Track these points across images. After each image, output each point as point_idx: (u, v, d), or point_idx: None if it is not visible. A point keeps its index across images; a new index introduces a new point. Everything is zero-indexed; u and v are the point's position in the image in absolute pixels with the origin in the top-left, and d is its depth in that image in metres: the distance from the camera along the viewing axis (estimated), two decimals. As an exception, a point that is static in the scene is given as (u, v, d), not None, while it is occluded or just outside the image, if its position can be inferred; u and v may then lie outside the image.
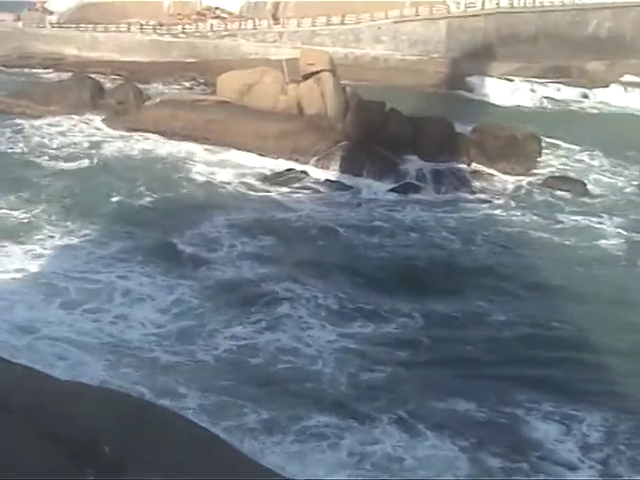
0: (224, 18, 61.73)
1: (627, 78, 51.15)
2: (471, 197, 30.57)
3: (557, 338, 19.51)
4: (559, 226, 27.82)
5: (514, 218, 28.53)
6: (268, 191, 30.33)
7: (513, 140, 34.59)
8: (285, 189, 30.44)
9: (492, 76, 49.67)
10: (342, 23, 52.55)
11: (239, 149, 34.29)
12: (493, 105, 46.81)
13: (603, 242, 26.30)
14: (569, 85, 49.97)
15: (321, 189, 30.68)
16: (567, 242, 26.27)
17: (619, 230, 27.42)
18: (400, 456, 14.77)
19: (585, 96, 48.93)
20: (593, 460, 14.96)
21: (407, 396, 16.78)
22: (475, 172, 32.90)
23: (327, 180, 31.41)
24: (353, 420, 15.82)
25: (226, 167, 32.91)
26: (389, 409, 16.26)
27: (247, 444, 14.36)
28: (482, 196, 30.68)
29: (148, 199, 28.78)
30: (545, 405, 16.60)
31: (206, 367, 17.58)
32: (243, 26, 56.75)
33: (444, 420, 16.00)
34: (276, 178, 31.52)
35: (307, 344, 18.68)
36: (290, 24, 54.76)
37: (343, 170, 32.17)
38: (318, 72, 36.07)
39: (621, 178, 33.60)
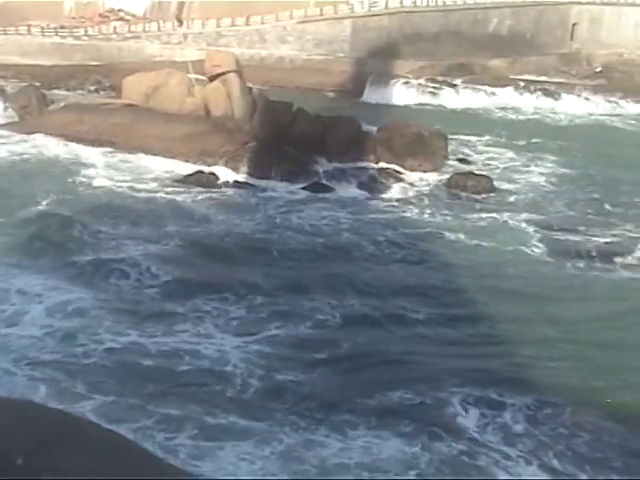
0: (128, 20, 61.08)
1: (526, 77, 52.17)
2: (380, 196, 30.80)
3: (477, 333, 19.76)
4: (468, 223, 28.15)
5: (422, 216, 28.75)
6: (174, 195, 29.84)
7: (420, 137, 34.98)
8: (192, 192, 30.05)
9: (397, 75, 50.16)
10: (247, 24, 52.48)
11: (146, 153, 33.88)
12: (396, 105, 47.25)
13: (511, 238, 26.77)
14: (472, 83, 50.67)
15: (229, 191, 30.48)
16: (476, 239, 26.54)
17: (526, 226, 27.94)
18: (312, 452, 14.80)
19: (490, 94, 49.64)
20: (522, 449, 15.16)
21: (322, 393, 16.79)
22: (383, 170, 33.17)
23: (236, 182, 31.31)
24: (262, 419, 15.75)
25: (131, 171, 32.38)
26: (302, 406, 16.25)
27: (154, 444, 14.27)
28: (390, 194, 30.94)
29: (44, 205, 27.99)
30: (471, 392, 16.80)
31: (104, 369, 17.30)
32: (147, 28, 56.24)
33: (355, 414, 16.01)
34: (183, 181, 31.23)
35: (212, 347, 18.44)
36: (195, 25, 54.49)
37: (252, 171, 32.11)
38: (224, 73, 35.97)
39: (527, 175, 34.32)
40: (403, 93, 48.67)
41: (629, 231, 27.47)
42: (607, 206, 30.20)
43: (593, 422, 15.86)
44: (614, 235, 27.04)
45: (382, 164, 33.67)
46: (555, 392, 16.81)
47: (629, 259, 24.97)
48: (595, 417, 16.04)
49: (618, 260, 24.77)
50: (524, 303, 21.39)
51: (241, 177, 31.86)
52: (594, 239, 26.48)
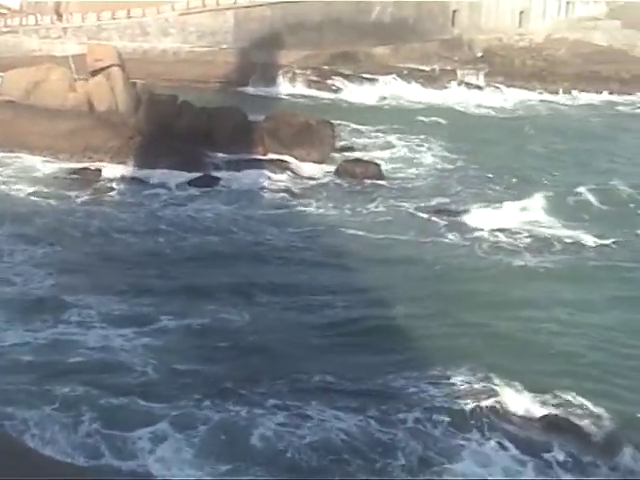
0: (4, 14, 59.25)
1: (410, 63, 52.71)
2: (269, 187, 30.72)
3: (379, 325, 20.05)
4: (357, 211, 28.57)
5: (312, 206, 28.97)
6: (57, 193, 29.00)
7: (307, 127, 35.10)
8: (77, 190, 29.32)
9: (282, 65, 50.09)
10: (128, 17, 51.57)
11: (28, 150, 32.94)
12: (282, 96, 47.20)
13: (400, 221, 27.27)
14: (357, 72, 50.94)
15: (115, 187, 29.87)
16: (365, 226, 27.00)
17: (414, 210, 28.52)
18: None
19: (376, 82, 49.87)
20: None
21: (220, 379, 17.11)
22: (271, 161, 33.16)
23: (122, 177, 30.73)
24: (158, 403, 16.05)
25: (12, 170, 31.31)
26: (200, 393, 16.50)
27: (33, 437, 14.46)
28: (279, 185, 30.90)
29: None
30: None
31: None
32: (25, 22, 54.71)
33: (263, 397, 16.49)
34: (67, 179, 30.52)
35: (104, 340, 18.46)
36: (74, 19, 53.22)
37: (138, 166, 31.64)
38: (107, 67, 35.31)
39: (414, 160, 34.88)
40: (288, 83, 48.66)
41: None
42: (493, 187, 31.19)
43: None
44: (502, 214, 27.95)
45: (270, 154, 33.65)
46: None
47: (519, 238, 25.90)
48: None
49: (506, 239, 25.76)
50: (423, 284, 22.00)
51: (127, 172, 31.35)
52: (481, 219, 27.25)
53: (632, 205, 29.48)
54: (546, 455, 15.10)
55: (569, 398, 16.53)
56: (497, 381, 17.06)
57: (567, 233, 26.37)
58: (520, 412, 16.23)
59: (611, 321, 20.34)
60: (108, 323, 19.23)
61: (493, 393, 16.69)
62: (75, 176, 30.56)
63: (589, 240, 25.75)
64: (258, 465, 14.64)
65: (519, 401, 16.49)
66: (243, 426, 15.62)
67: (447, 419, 15.95)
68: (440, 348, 18.77)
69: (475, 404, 16.36)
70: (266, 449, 15.07)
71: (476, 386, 17.01)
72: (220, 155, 33.11)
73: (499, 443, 15.37)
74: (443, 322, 20.10)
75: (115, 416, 15.56)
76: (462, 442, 15.37)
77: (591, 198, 29.58)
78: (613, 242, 25.71)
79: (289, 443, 15.17)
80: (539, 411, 16.20)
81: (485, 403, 16.39)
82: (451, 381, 17.28)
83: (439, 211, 28.32)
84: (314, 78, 49.35)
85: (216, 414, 15.92)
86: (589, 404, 16.28)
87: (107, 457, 14.50)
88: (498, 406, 16.30)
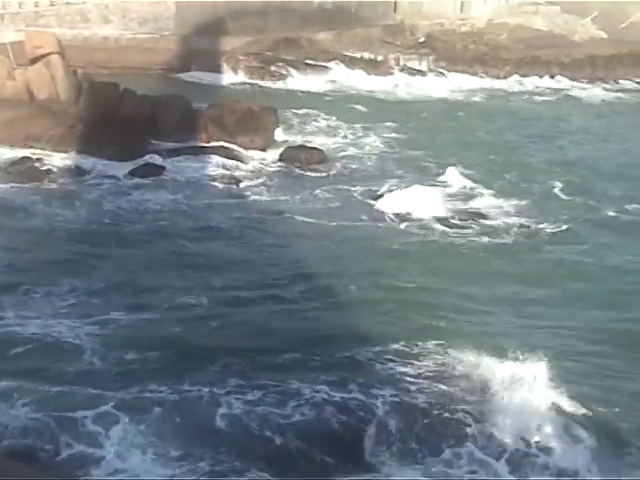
0: (-62, 2, 58.05)
1: (353, 49, 52.69)
2: (213, 174, 30.54)
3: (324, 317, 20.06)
4: (300, 195, 28.69)
5: (257, 192, 29.04)
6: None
7: (250, 113, 34.98)
8: (17, 180, 28.75)
9: (224, 51, 49.79)
10: (67, 3, 50.81)
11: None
12: (225, 83, 46.99)
13: (338, 211, 27.40)
14: (301, 58, 50.83)
15: (57, 176, 29.45)
16: (309, 211, 27.15)
17: (357, 194, 28.73)
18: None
19: (320, 69, 49.82)
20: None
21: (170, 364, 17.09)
22: (215, 148, 32.98)
23: (64, 166, 30.33)
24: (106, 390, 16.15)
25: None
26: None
27: None
28: (224, 172, 30.77)
29: None
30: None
31: None
32: (-40, 9, 53.64)
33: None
34: (7, 169, 29.96)
35: (47, 329, 18.32)
36: (11, 5, 52.25)
37: (81, 155, 31.28)
38: (46, 55, 34.75)
39: (358, 145, 35.07)
40: (231, 70, 48.36)
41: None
42: (431, 170, 31.71)
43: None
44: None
45: (214, 142, 33.47)
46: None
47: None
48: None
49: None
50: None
51: (69, 161, 30.96)
52: (413, 200, 27.74)
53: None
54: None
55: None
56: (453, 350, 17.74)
57: (495, 211, 27.45)
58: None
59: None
60: (51, 314, 19.00)
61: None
62: (16, 166, 30.02)
63: (513, 219, 26.73)
64: (222, 446, 14.73)
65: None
66: (203, 407, 15.78)
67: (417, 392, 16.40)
68: (391, 320, 19.35)
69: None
70: (230, 429, 15.20)
71: (437, 356, 17.55)
72: (164, 143, 32.89)
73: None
74: (388, 297, 20.61)
75: (58, 402, 15.57)
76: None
77: (519, 180, 30.84)
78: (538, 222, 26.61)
79: (255, 423, 15.31)
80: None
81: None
82: (412, 352, 17.74)
83: (380, 194, 28.66)
84: (257, 65, 49.19)
85: (171, 396, 16.01)
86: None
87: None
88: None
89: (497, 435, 15.25)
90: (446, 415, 15.73)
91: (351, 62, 50.63)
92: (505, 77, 51.97)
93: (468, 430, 15.37)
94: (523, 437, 15.25)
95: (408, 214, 26.72)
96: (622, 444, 15.10)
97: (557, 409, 15.83)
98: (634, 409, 16.14)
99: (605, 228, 26.34)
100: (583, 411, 15.77)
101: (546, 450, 15.00)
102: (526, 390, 16.15)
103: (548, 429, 15.37)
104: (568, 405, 15.86)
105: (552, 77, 52.39)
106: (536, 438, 15.24)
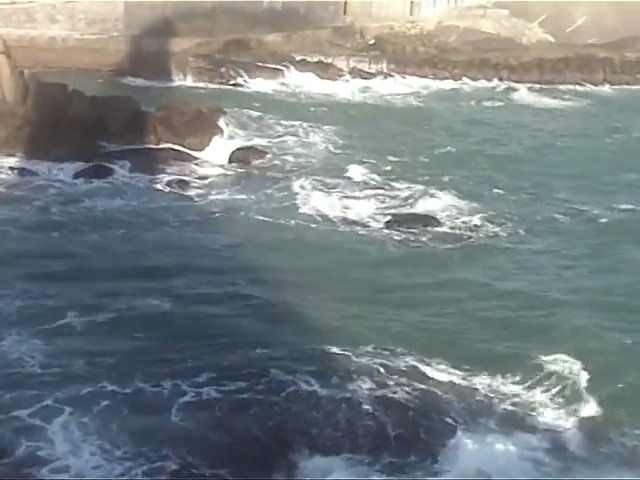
0: None
1: (303, 51, 52.74)
2: (162, 176, 30.32)
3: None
4: (251, 197, 28.70)
5: (208, 194, 28.96)
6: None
7: (199, 115, 35.01)
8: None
9: (174, 52, 49.54)
10: (13, 2, 50.21)
11: None
12: (174, 84, 46.82)
13: (284, 211, 27.55)
14: (250, 59, 50.76)
15: (3, 179, 28.99)
16: (260, 211, 27.26)
17: (303, 191, 29.04)
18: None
19: (269, 71, 49.77)
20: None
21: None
22: (165, 150, 32.87)
23: (11, 169, 29.90)
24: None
25: None
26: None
27: None
28: (172, 174, 30.59)
29: None
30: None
31: None
32: None
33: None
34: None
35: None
36: (-45, 5, 51.56)
37: (28, 157, 30.91)
38: (-9, 56, 34.31)
39: (306, 145, 35.21)
40: (181, 72, 48.11)
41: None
42: (376, 171, 31.74)
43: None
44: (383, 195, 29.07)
45: (163, 144, 33.34)
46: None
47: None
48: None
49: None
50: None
51: (16, 164, 30.59)
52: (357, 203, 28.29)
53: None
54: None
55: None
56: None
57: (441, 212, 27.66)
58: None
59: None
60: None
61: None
62: (-40, 169, 29.63)
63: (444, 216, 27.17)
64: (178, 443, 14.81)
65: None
66: (159, 404, 15.90)
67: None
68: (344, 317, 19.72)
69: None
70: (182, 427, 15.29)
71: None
72: (113, 145, 32.63)
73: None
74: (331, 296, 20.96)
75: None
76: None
77: (464, 181, 31.16)
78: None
79: (210, 422, 15.42)
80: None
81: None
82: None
83: (326, 195, 28.85)
84: (207, 66, 49.00)
85: (124, 393, 16.14)
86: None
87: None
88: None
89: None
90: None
91: (301, 64, 50.70)
92: (454, 79, 52.41)
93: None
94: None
95: (343, 213, 27.21)
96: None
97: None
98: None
99: (547, 232, 26.61)
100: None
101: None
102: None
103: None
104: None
105: (501, 80, 52.97)
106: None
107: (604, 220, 27.44)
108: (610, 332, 19.31)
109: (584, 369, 17.38)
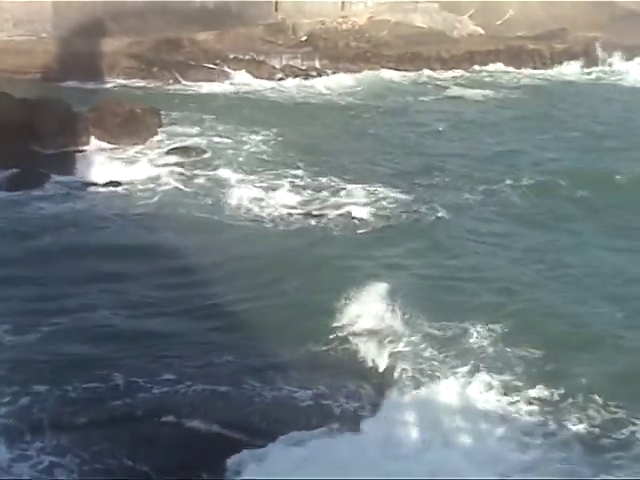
0: None
1: (235, 48, 52.47)
2: (97, 178, 29.93)
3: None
4: (187, 197, 28.81)
5: (140, 195, 28.80)
6: None
7: (132, 115, 34.77)
8: None
9: (105, 53, 48.95)
10: None
11: None
12: (107, 86, 46.24)
13: (219, 208, 27.78)
14: (183, 58, 50.40)
15: None
16: (196, 211, 27.38)
17: (234, 190, 29.12)
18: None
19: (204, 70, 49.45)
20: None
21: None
22: (98, 151, 32.60)
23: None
24: None
25: None
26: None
27: None
28: (108, 175, 30.14)
29: None
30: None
31: None
32: None
33: None
34: None
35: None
36: None
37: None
38: None
39: (241, 144, 35.01)
40: (112, 72, 47.58)
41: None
42: (306, 168, 31.86)
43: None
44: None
45: (96, 145, 33.04)
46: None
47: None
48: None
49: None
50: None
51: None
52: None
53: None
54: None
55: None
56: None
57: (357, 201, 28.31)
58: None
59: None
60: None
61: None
62: None
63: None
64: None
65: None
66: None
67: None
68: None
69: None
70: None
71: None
72: (44, 149, 32.16)
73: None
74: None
75: None
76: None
77: (395, 173, 31.79)
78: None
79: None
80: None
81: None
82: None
83: (258, 191, 29.10)
84: (139, 66, 48.49)
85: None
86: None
87: None
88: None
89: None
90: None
91: (234, 62, 50.44)
92: (387, 73, 52.61)
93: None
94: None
95: (273, 208, 27.63)
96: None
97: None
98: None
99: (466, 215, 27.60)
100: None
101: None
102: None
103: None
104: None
105: (433, 71, 53.44)
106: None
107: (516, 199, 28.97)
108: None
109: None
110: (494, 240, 25.46)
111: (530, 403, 16.45)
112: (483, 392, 16.66)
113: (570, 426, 15.77)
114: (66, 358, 17.81)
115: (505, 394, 16.70)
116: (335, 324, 19.25)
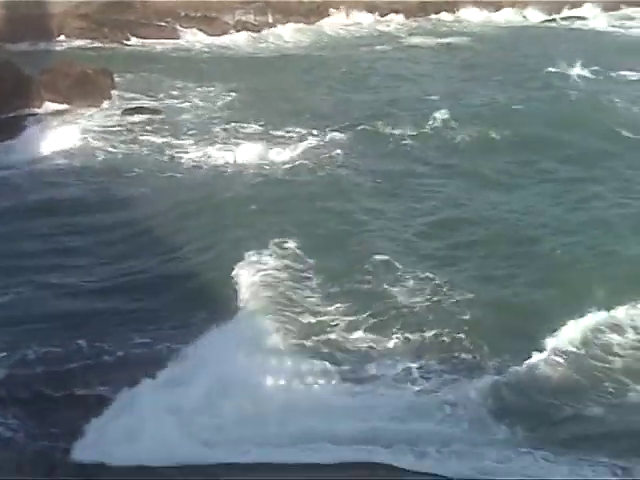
0: None
1: (186, 9, 51.94)
2: (51, 141, 29.62)
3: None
4: (145, 156, 28.65)
5: (95, 155, 28.67)
6: None
7: (85, 76, 34.57)
8: None
9: (53, 14, 48.20)
10: None
11: None
12: (57, 48, 45.58)
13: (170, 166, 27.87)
14: (135, 18, 49.87)
15: None
16: (148, 169, 27.39)
17: (184, 153, 28.94)
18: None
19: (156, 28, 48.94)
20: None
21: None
22: (51, 113, 32.46)
23: None
24: None
25: None
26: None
27: None
28: (62, 137, 29.83)
29: None
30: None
31: None
32: None
33: None
34: None
35: None
36: None
37: None
38: None
39: (194, 102, 34.92)
40: (63, 34, 46.94)
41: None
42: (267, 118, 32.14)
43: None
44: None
45: (49, 107, 32.81)
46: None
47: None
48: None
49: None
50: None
51: None
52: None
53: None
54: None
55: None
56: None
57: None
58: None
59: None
60: None
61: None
62: None
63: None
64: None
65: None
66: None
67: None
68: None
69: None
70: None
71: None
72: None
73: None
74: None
75: None
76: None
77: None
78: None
79: None
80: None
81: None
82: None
83: (215, 147, 29.20)
84: (90, 27, 47.88)
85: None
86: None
87: None
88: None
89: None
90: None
91: (185, 20, 49.99)
92: (342, 25, 52.42)
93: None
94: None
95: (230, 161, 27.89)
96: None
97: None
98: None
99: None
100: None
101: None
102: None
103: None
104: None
105: (383, 16, 53.43)
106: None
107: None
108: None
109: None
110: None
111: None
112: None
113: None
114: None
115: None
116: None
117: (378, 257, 20.15)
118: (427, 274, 19.35)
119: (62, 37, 46.85)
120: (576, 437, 14.27)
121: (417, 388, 15.50)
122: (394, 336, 16.96)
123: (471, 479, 13.15)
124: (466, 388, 15.27)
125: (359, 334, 17.11)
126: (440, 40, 48.15)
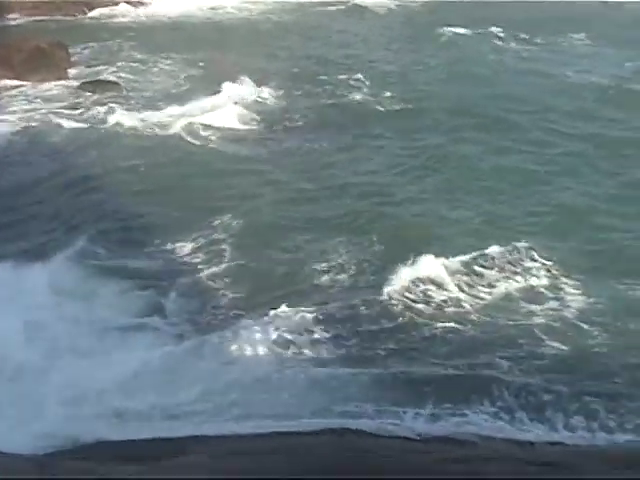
0: None
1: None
2: (4, 118, 29.02)
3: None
4: (99, 127, 27.91)
5: (54, 132, 27.76)
6: None
7: (39, 51, 33.99)
8: None
9: None
10: None
11: None
12: (10, 23, 44.79)
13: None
14: None
15: None
16: (104, 144, 26.57)
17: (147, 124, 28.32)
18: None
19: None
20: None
21: None
22: (5, 89, 31.77)
23: None
24: None
25: None
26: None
27: None
28: (18, 114, 29.31)
29: None
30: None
31: None
32: None
33: None
34: None
35: None
36: None
37: None
38: None
39: (152, 74, 34.45)
40: (14, 8, 46.02)
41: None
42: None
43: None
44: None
45: (3, 84, 32.19)
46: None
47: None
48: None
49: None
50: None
51: None
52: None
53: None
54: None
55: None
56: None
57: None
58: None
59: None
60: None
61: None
62: None
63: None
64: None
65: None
66: None
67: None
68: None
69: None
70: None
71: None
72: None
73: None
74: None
75: None
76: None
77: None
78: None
79: None
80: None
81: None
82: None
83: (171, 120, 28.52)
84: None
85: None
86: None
87: None
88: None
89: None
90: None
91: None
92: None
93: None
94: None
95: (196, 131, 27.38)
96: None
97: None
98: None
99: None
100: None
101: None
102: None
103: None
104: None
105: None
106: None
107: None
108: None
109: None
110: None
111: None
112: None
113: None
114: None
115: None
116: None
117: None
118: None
119: (15, 11, 45.91)
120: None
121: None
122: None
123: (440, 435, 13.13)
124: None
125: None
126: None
